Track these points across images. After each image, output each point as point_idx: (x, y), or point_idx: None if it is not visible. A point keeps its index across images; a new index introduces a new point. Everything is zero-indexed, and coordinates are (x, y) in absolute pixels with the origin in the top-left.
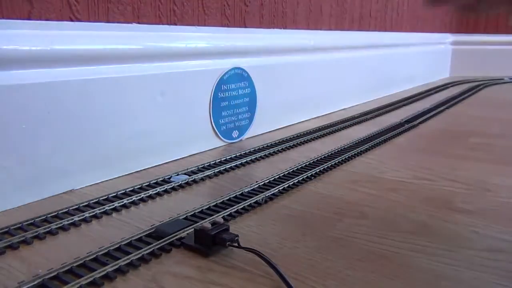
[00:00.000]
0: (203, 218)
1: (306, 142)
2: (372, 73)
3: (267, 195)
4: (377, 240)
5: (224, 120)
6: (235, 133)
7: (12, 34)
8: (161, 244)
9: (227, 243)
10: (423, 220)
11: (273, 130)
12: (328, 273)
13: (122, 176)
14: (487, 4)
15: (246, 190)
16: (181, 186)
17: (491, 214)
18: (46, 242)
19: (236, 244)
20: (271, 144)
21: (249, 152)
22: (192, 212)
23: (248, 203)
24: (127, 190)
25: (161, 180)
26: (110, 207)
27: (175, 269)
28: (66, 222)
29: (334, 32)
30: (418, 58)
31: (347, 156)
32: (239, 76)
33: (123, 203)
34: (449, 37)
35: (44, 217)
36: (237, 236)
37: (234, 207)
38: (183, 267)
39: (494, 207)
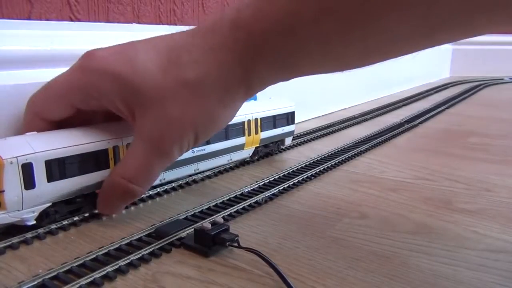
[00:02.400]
0: (203, 218)
1: (306, 142)
2: (372, 73)
3: (267, 195)
4: (377, 240)
5: None
6: None
7: (12, 34)
8: (161, 244)
9: (227, 243)
10: (423, 220)
11: None
12: (328, 273)
13: None
14: None
15: (246, 190)
16: (181, 186)
17: (491, 214)
18: (46, 242)
19: (236, 244)
20: None
21: None
22: (192, 212)
23: (248, 203)
24: None
25: None
26: None
27: (175, 269)
28: (66, 222)
29: None
30: (418, 58)
31: (347, 156)
32: None
33: None
34: None
35: None
36: (237, 236)
37: (234, 207)
38: (183, 267)
39: (494, 207)
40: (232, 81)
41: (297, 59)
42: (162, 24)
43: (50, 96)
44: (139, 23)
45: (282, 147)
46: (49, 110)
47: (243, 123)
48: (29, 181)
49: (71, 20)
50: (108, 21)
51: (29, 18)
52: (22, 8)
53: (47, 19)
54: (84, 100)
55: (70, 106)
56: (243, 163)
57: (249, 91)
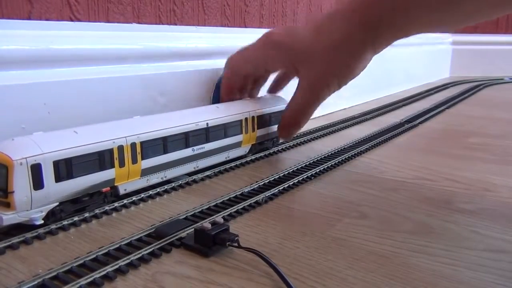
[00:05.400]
0: (203, 218)
1: (306, 142)
2: (372, 73)
3: (267, 195)
4: (377, 240)
5: None
6: None
7: (12, 34)
8: (161, 244)
9: (227, 243)
10: (423, 220)
11: None
12: (328, 273)
13: None
14: None
15: (246, 190)
16: (181, 186)
17: (491, 214)
18: (46, 242)
19: (236, 244)
20: None
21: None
22: (192, 212)
23: (248, 203)
24: None
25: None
26: (110, 207)
27: (175, 269)
28: (66, 222)
29: None
30: (418, 58)
31: (347, 156)
32: None
33: (123, 203)
34: (449, 37)
35: None
36: (237, 236)
37: (234, 207)
38: (183, 267)
39: (494, 207)
40: (359, 44)
41: (404, 28)
42: (162, 24)
43: (244, 58)
44: (139, 23)
45: (277, 143)
46: (242, 68)
47: (240, 121)
48: (37, 182)
49: (71, 20)
50: (108, 21)
51: (29, 18)
52: (22, 8)
53: (47, 19)
54: (266, 62)
55: (256, 66)
56: (243, 163)
57: (376, 49)
